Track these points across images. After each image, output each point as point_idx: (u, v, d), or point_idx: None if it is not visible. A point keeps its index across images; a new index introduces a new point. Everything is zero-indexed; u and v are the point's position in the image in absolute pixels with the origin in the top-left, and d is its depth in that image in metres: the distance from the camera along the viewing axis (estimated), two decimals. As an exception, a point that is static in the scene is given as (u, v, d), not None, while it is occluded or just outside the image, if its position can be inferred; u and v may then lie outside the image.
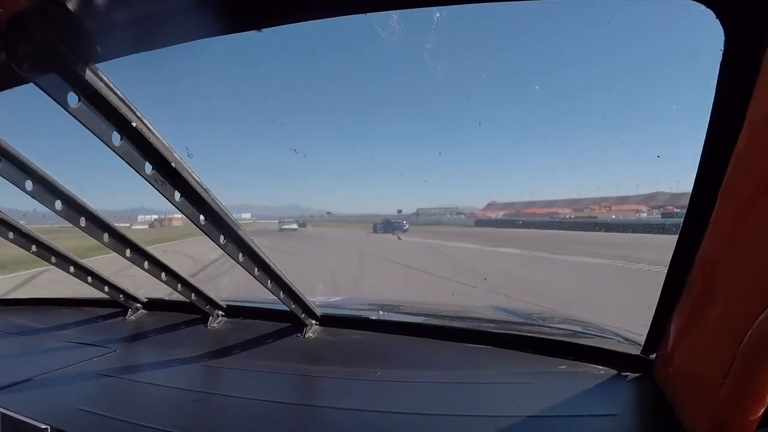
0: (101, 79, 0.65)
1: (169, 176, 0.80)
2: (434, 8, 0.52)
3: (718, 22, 0.51)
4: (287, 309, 1.28)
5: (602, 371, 1.04)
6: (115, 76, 0.65)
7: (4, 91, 0.72)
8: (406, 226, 32.10)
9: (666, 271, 0.80)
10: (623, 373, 1.01)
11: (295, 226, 43.31)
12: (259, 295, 1.60)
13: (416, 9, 0.50)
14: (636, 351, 1.02)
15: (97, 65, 0.63)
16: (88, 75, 0.63)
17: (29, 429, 0.87)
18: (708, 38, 0.54)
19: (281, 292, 1.19)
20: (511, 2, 0.51)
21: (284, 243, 20.63)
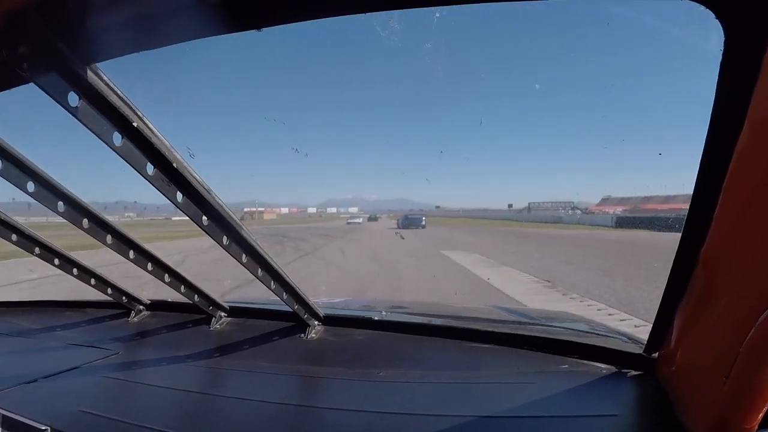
0: (101, 79, 0.65)
1: (171, 177, 0.80)
2: (434, 8, 0.52)
3: (718, 22, 0.51)
4: (290, 310, 1.28)
5: (605, 370, 1.04)
6: (115, 76, 0.65)
7: (3, 92, 0.72)
8: (423, 222, 33.20)
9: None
10: (626, 372, 1.01)
11: (359, 220, 45.23)
12: (262, 296, 1.60)
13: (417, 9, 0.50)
14: (639, 350, 1.02)
15: (98, 64, 0.64)
16: (89, 74, 0.63)
17: (29, 430, 0.87)
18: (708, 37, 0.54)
19: (284, 293, 1.19)
20: (511, 2, 0.51)
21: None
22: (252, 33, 0.57)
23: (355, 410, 0.93)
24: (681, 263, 0.76)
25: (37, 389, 1.07)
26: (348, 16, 0.53)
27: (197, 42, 0.59)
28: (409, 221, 33.57)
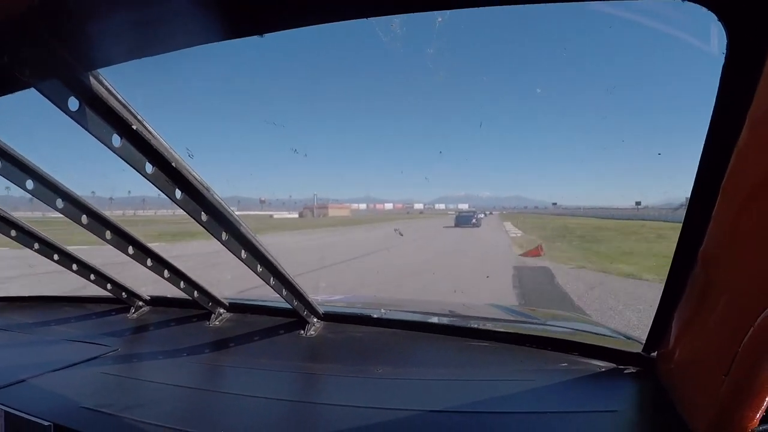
0: (102, 84, 0.65)
1: (170, 175, 0.81)
2: (436, 12, 0.52)
3: (720, 24, 0.50)
4: (290, 307, 1.28)
5: (603, 369, 1.04)
6: (116, 80, 0.65)
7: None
8: (474, 219, 32.52)
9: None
10: (625, 371, 1.02)
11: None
12: (262, 292, 1.61)
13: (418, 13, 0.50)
14: (638, 349, 1.03)
15: (99, 70, 0.63)
16: (90, 80, 0.63)
17: (32, 427, 0.88)
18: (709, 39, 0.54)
19: (283, 290, 1.20)
20: (512, 6, 0.51)
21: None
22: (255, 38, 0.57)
23: (354, 406, 0.94)
24: (680, 262, 0.77)
25: (38, 385, 1.08)
26: (350, 21, 0.53)
27: (202, 48, 0.58)
28: (460, 219, 33.31)
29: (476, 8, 0.49)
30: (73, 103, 0.64)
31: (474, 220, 32.26)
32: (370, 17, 0.52)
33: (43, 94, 0.61)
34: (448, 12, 0.52)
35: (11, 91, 0.68)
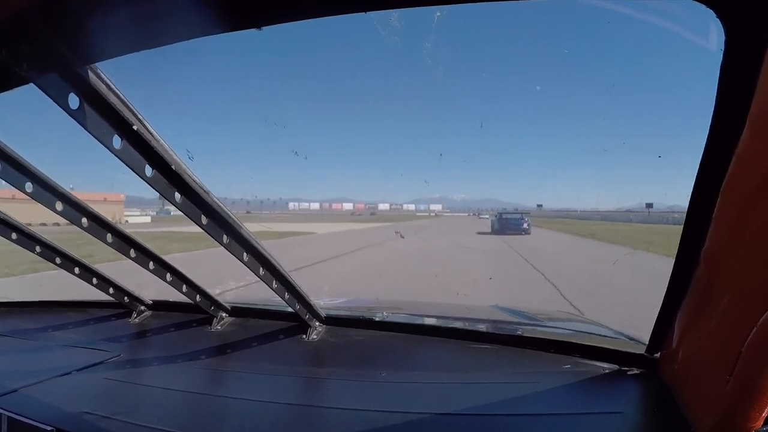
0: (102, 80, 0.64)
1: (170, 179, 0.80)
2: (434, 7, 0.52)
3: (718, 21, 0.50)
4: (291, 310, 1.28)
5: (606, 371, 1.04)
6: (115, 79, 0.65)
7: (2, 94, 0.72)
8: (525, 225, 23.56)
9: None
10: (628, 373, 1.02)
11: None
12: (264, 295, 1.60)
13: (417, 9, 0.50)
14: (640, 350, 1.02)
15: (99, 67, 0.63)
16: (89, 75, 0.62)
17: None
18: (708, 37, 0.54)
19: (286, 293, 1.19)
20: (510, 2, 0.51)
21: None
22: (255, 36, 0.57)
23: (356, 410, 0.94)
24: (682, 262, 0.76)
25: (41, 391, 1.07)
26: (349, 15, 0.53)
27: (200, 46, 0.59)
28: (504, 224, 23.97)
29: (455, 5, 0.49)
30: (74, 101, 0.64)
31: (525, 225, 23.48)
32: (368, 11, 0.52)
33: (43, 90, 0.61)
34: (425, 16, 0.52)
35: (10, 87, 0.68)
